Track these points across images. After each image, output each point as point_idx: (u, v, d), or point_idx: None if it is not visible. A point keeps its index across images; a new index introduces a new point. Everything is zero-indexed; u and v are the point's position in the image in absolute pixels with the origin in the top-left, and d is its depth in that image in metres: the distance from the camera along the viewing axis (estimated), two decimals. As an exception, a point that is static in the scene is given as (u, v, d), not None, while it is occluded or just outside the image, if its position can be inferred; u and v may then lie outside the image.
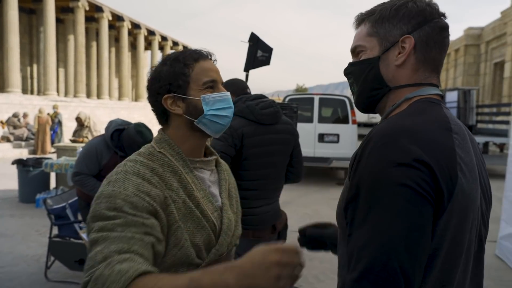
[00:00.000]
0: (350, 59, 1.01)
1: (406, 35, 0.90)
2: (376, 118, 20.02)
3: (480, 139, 11.94)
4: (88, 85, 26.35)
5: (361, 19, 0.97)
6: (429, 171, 0.74)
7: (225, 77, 2.51)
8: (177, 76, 1.09)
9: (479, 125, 13.65)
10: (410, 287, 0.71)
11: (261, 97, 2.24)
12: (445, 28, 0.91)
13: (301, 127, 8.83)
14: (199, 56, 1.13)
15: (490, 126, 13.14)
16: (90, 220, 0.94)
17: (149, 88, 1.13)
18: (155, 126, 1.49)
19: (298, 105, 9.62)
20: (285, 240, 2.44)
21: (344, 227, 0.83)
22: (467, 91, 13.89)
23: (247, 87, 2.39)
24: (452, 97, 14.23)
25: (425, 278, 0.76)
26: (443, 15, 0.93)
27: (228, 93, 1.16)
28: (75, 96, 24.06)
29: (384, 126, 0.81)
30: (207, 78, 1.11)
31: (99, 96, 26.73)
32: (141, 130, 3.00)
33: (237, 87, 2.34)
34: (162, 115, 1.13)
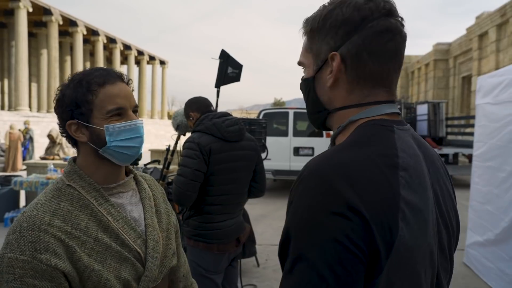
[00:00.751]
0: None
1: (333, 51, 0.76)
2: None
3: (449, 150, 12.38)
4: (61, 100, 25.83)
5: (302, 28, 0.83)
6: (363, 224, 0.61)
7: (200, 91, 2.57)
8: (79, 102, 1.00)
9: (449, 137, 14.13)
10: None
11: (226, 114, 2.30)
12: (385, 31, 0.73)
13: (277, 141, 8.98)
14: (105, 80, 1.02)
15: (460, 137, 13.62)
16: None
17: (55, 110, 1.05)
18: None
19: (274, 119, 9.77)
20: (253, 255, 2.49)
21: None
22: (436, 104, 14.38)
23: (211, 105, 2.45)
24: (422, 110, 14.72)
25: None
26: (387, 12, 0.74)
27: (138, 121, 1.06)
28: (48, 111, 23.57)
29: (319, 161, 0.68)
30: (112, 106, 1.01)
31: (73, 111, 26.26)
32: None
33: (201, 105, 2.40)
34: (70, 140, 1.06)
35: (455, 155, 12.55)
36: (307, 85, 0.83)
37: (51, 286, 0.90)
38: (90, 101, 1.00)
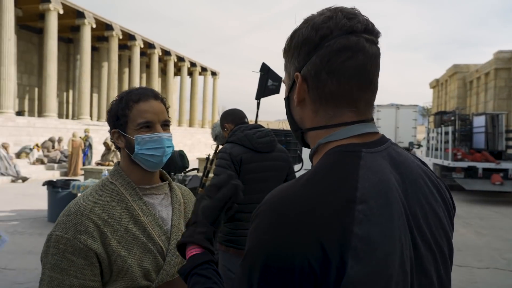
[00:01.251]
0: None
1: (296, 71, 0.76)
2: (404, 143, 19.76)
3: (509, 165, 11.62)
4: (119, 109, 27.33)
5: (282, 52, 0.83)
6: (310, 267, 0.61)
7: (248, 101, 2.71)
8: (119, 115, 1.21)
9: (509, 151, 13.27)
10: None
11: (258, 126, 2.41)
12: (343, 49, 0.71)
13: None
14: (140, 97, 1.22)
15: (521, 151, 12.76)
16: (43, 257, 1.12)
17: (107, 119, 1.27)
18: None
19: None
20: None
21: None
22: (495, 116, 13.59)
23: (245, 117, 2.57)
24: (479, 122, 13.96)
25: None
26: (349, 29, 0.71)
27: (163, 134, 1.22)
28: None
29: (278, 196, 0.67)
30: (141, 119, 1.20)
31: (129, 120, 27.68)
32: (183, 155, 3.42)
33: (236, 117, 2.53)
34: (115, 145, 1.27)
35: (516, 171, 11.76)
36: (285, 104, 0.83)
37: (84, 263, 1.08)
38: (126, 114, 1.21)
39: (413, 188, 0.74)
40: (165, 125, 1.25)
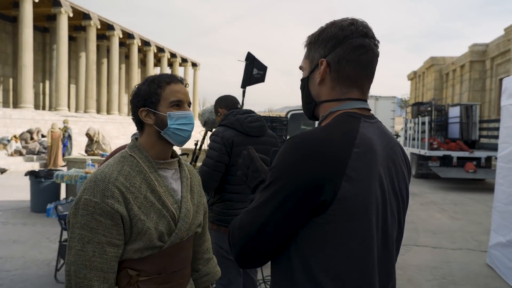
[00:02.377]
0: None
1: (322, 58, 1.04)
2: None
3: (482, 154, 12.09)
4: (98, 100, 26.97)
5: (304, 43, 1.13)
6: (317, 180, 0.89)
7: (230, 92, 2.79)
8: (151, 94, 1.34)
9: (482, 140, 13.77)
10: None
11: (249, 112, 2.53)
12: (359, 47, 1.01)
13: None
14: (171, 80, 1.37)
15: (493, 140, 13.24)
16: (71, 218, 1.24)
17: (131, 101, 1.39)
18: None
19: (302, 120, 9.87)
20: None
21: None
22: (469, 107, 14.04)
23: (237, 102, 2.68)
24: (454, 112, 14.40)
25: (322, 262, 0.92)
26: (364, 34, 1.02)
27: (191, 112, 1.39)
28: (85, 111, 24.64)
29: (301, 134, 0.96)
30: (174, 98, 1.34)
31: (108, 111, 27.33)
32: None
33: (229, 102, 2.64)
34: (139, 123, 1.39)
35: (488, 159, 12.24)
36: (303, 82, 1.12)
37: (111, 224, 1.22)
38: (159, 93, 1.34)
39: (392, 152, 1.07)
40: (189, 105, 1.42)
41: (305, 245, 0.94)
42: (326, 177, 0.90)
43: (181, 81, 1.40)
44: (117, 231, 1.24)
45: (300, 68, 1.15)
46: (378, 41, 1.07)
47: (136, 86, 1.40)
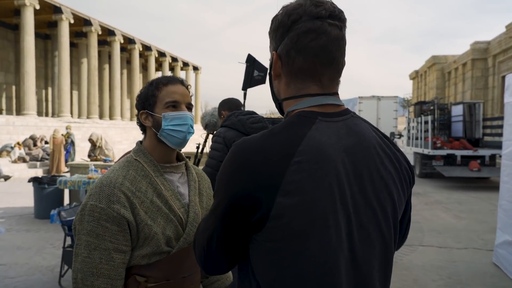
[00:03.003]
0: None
1: (274, 51, 0.91)
2: (385, 133, 20.07)
3: (486, 152, 12.04)
4: (100, 106, 27.07)
5: None
6: (251, 195, 0.79)
7: (231, 95, 2.79)
8: (149, 96, 1.34)
9: (486, 138, 13.70)
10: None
11: (251, 113, 2.52)
12: (308, 32, 0.85)
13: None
14: (169, 81, 1.35)
15: (497, 138, 13.17)
16: (77, 224, 1.22)
17: (135, 106, 1.40)
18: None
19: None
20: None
21: None
22: (472, 105, 13.99)
23: (241, 105, 2.68)
24: (457, 111, 14.34)
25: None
26: (316, 15, 0.85)
27: (187, 113, 1.35)
28: (88, 117, 24.71)
29: (241, 141, 0.85)
30: (169, 99, 1.32)
31: (111, 116, 27.39)
32: None
33: (232, 104, 2.65)
34: (141, 126, 1.39)
35: (492, 157, 12.18)
36: (269, 79, 1.00)
37: (117, 230, 1.20)
38: (156, 95, 1.33)
39: (363, 154, 0.86)
40: (189, 107, 1.38)
41: (255, 262, 0.85)
42: (260, 191, 0.78)
43: (181, 82, 1.39)
44: (123, 237, 1.22)
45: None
46: (343, 19, 0.88)
47: (140, 90, 1.40)
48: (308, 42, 0.85)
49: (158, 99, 1.33)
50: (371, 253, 0.86)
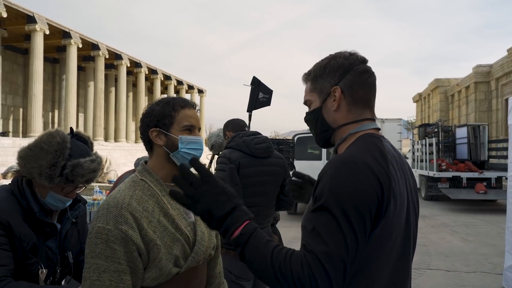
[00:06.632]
0: None
1: (334, 86, 1.14)
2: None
3: (492, 174, 11.93)
4: (106, 128, 27.28)
5: (304, 79, 1.23)
6: (379, 201, 0.98)
7: (236, 116, 2.85)
8: (165, 116, 1.35)
9: (492, 160, 13.61)
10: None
11: (256, 133, 2.54)
12: (364, 71, 1.15)
13: (311, 165, 9.11)
14: (185, 104, 1.39)
15: (503, 161, 13.08)
16: (87, 247, 1.22)
17: (142, 120, 1.40)
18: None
19: (308, 144, 9.91)
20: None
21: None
22: (476, 127, 13.97)
23: (245, 125, 2.71)
24: (462, 133, 14.31)
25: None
26: (363, 60, 1.17)
27: (201, 138, 1.40)
28: (93, 139, 24.75)
29: (345, 156, 1.03)
30: (187, 122, 1.36)
31: (116, 139, 27.57)
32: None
33: (236, 125, 2.68)
34: (147, 143, 1.39)
35: (498, 179, 12.07)
36: (316, 113, 1.19)
37: (124, 251, 1.20)
38: (173, 116, 1.35)
39: (405, 167, 1.17)
40: (199, 130, 1.44)
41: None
42: (383, 196, 0.98)
43: (194, 106, 1.43)
44: (133, 257, 1.22)
45: (306, 102, 1.23)
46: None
47: (149, 106, 1.42)
48: (366, 79, 1.15)
49: (175, 120, 1.35)
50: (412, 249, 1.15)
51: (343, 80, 1.14)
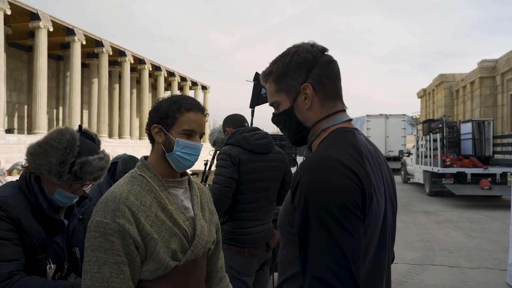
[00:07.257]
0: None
1: (303, 83, 1.08)
2: (394, 151, 20.00)
3: (497, 170, 11.84)
4: (110, 125, 27.37)
5: (264, 79, 1.15)
6: (362, 195, 0.93)
7: (240, 112, 2.83)
8: (168, 115, 1.34)
9: (496, 156, 13.52)
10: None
11: (256, 129, 2.53)
12: (329, 62, 1.09)
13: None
14: (192, 107, 1.36)
15: (508, 156, 12.99)
16: (86, 241, 1.24)
17: (149, 113, 1.40)
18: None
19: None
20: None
21: (287, 237, 1.05)
22: (481, 122, 13.87)
23: (245, 121, 2.70)
24: (466, 129, 14.21)
25: None
26: (324, 50, 1.11)
27: (200, 144, 1.39)
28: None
29: (317, 156, 0.97)
30: (187, 126, 1.35)
31: (120, 135, 27.67)
32: (129, 160, 3.14)
33: (236, 121, 2.66)
34: (150, 137, 1.40)
35: (504, 175, 11.99)
36: (287, 114, 1.12)
37: (122, 244, 1.22)
38: (176, 117, 1.35)
39: (381, 158, 1.12)
40: (201, 136, 1.42)
41: None
42: (364, 191, 0.94)
43: (201, 110, 1.41)
44: (130, 250, 1.23)
45: (273, 104, 1.15)
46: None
47: (159, 100, 1.41)
48: (332, 70, 1.10)
49: (177, 122, 1.35)
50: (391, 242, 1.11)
51: (311, 76, 1.08)
